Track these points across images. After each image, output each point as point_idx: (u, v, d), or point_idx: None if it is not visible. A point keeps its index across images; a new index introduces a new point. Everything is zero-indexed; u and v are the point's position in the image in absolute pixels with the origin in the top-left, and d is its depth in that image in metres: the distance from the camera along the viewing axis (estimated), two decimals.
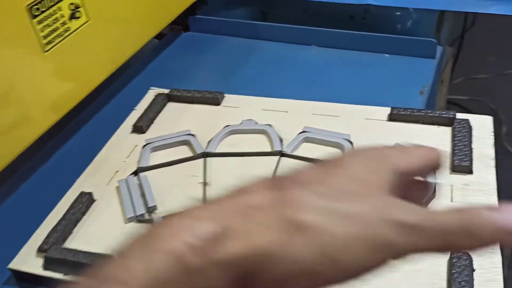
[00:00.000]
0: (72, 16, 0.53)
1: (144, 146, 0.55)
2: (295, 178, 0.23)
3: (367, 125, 0.54)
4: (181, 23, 0.80)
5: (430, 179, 0.46)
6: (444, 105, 1.32)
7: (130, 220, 0.47)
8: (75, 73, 0.56)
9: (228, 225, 0.21)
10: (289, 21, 0.83)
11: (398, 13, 0.81)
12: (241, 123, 0.56)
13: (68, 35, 0.53)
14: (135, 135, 0.57)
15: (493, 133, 0.50)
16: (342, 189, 0.22)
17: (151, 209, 0.47)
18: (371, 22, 0.82)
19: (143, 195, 0.49)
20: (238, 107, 0.59)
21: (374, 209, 0.21)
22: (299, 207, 0.21)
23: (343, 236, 0.20)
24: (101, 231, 0.46)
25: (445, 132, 0.52)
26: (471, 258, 0.38)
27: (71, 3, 0.53)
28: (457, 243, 0.20)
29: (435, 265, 0.39)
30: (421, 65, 0.66)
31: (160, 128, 0.58)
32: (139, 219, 0.47)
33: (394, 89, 0.63)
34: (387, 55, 0.69)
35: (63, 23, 0.52)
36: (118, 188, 0.50)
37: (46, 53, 0.51)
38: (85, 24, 0.55)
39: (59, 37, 0.52)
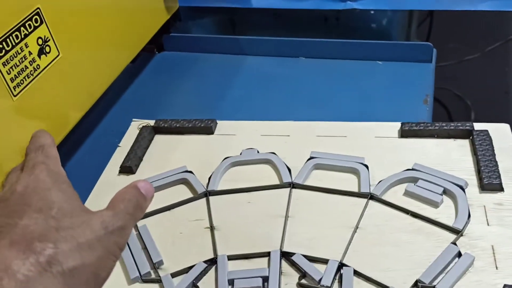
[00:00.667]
0: (41, 52, 0.47)
1: None
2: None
3: (379, 144, 0.50)
4: (154, 41, 0.74)
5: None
6: None
7: (134, 280, 0.41)
8: (50, 114, 0.49)
9: None
10: (260, 27, 0.78)
11: (372, 12, 0.79)
12: (241, 153, 0.51)
13: (39, 73, 0.47)
14: (124, 177, 0.51)
15: None
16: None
17: (157, 265, 0.42)
18: (346, 23, 0.79)
19: (145, 248, 0.43)
20: (234, 134, 0.54)
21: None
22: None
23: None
24: None
25: (463, 145, 0.48)
26: None
27: (39, 37, 0.46)
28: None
29: None
30: (418, 71, 0.63)
31: (151, 166, 0.52)
32: (144, 278, 0.41)
33: (394, 99, 0.60)
34: (380, 62, 0.66)
35: (32, 61, 0.46)
36: None
37: (15, 97, 0.44)
38: (57, 59, 0.49)
39: (29, 77, 0.46)
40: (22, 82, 0.45)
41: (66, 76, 0.50)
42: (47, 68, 0.48)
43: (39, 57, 0.47)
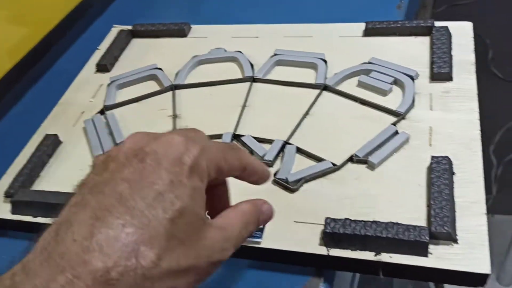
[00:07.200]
0: None
1: (109, 84, 0.52)
2: None
3: (342, 42, 0.51)
4: None
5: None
6: None
7: None
8: (29, 15, 0.52)
9: None
10: None
11: None
12: (210, 52, 0.53)
13: None
14: (99, 75, 0.54)
15: (473, 39, 0.48)
16: None
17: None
18: None
19: (110, 133, 0.47)
20: (206, 37, 0.56)
21: None
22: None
23: None
24: (69, 172, 0.44)
25: (423, 43, 0.49)
26: (451, 162, 0.37)
27: None
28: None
29: (416, 172, 0.37)
30: None
31: (125, 65, 0.55)
32: None
33: (369, 5, 0.60)
34: None
35: None
36: (84, 128, 0.48)
37: None
38: None
39: None
40: None
41: None
42: None
43: None
